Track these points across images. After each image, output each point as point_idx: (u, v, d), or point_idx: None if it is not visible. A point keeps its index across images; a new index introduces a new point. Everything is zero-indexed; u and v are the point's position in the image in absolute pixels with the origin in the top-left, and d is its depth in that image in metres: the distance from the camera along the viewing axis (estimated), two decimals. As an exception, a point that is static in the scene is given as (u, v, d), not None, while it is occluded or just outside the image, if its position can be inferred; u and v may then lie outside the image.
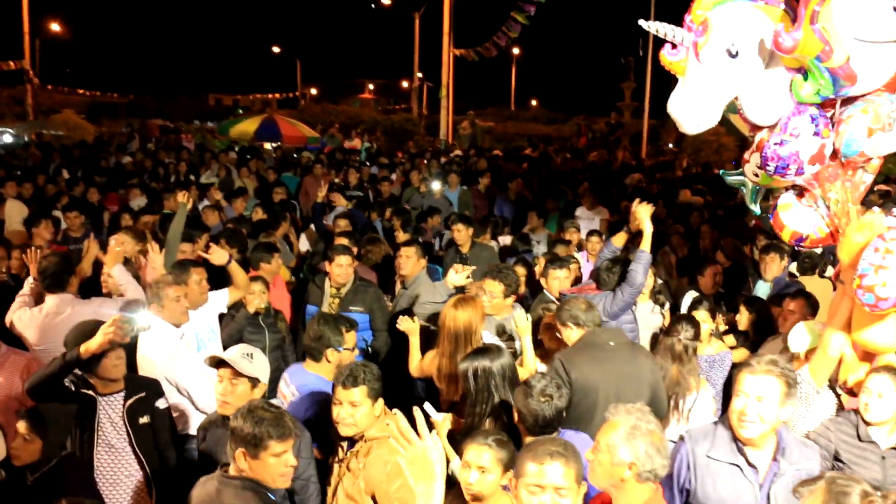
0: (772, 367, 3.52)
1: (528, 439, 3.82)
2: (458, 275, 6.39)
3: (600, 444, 3.21)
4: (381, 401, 3.97)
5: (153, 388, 4.56)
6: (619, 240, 6.87)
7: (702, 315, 5.99)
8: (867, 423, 4.24)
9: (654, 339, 6.65)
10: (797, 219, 4.53)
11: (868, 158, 4.10)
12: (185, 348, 5.17)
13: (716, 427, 3.74)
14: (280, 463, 3.32)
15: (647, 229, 6.26)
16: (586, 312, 4.99)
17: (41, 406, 4.12)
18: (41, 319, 5.47)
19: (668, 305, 7.17)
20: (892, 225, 3.95)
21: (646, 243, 6.21)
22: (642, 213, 6.36)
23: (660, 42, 4.45)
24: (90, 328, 4.33)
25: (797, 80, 4.00)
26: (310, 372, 4.78)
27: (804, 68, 3.97)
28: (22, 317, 5.54)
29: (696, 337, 5.47)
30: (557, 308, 5.25)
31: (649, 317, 6.91)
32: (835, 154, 4.17)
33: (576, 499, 3.07)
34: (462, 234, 8.35)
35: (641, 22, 4.49)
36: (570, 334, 5.02)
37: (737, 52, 4.06)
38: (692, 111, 4.25)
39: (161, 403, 4.55)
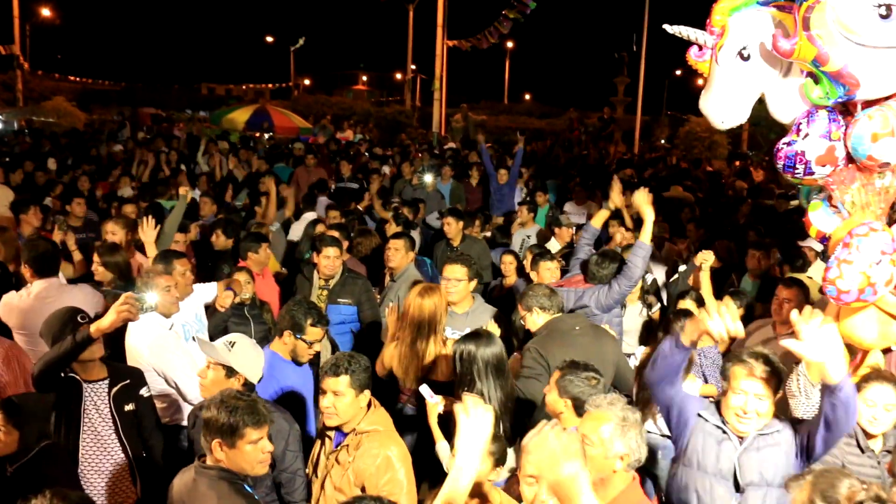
0: (766, 366, 3.61)
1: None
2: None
3: (591, 438, 3.22)
4: (367, 393, 3.95)
5: (136, 376, 4.55)
6: (598, 220, 6.87)
7: (688, 304, 6.01)
8: (869, 436, 4.15)
9: (644, 340, 6.63)
10: (822, 218, 4.60)
11: (884, 163, 4.10)
12: (175, 339, 5.14)
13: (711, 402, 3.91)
14: (257, 450, 3.33)
15: (649, 217, 6.15)
16: (550, 298, 5.13)
17: (16, 397, 4.08)
18: (29, 302, 5.43)
19: (657, 307, 7.10)
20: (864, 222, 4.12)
21: (645, 234, 6.12)
22: (642, 200, 6.26)
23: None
24: (66, 315, 4.36)
25: (808, 83, 4.11)
26: (268, 348, 4.86)
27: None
28: (9, 301, 5.49)
29: None
30: (521, 294, 5.33)
31: (636, 319, 6.80)
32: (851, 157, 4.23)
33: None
34: (453, 227, 8.35)
35: (667, 26, 4.60)
36: (536, 319, 5.13)
37: (748, 56, 4.25)
38: (716, 110, 4.50)
39: (144, 392, 4.53)
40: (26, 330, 5.30)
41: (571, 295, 6.03)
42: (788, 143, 4.26)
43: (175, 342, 5.11)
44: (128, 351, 5.10)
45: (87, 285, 5.93)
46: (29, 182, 11.99)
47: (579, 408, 3.86)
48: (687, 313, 5.53)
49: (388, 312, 5.56)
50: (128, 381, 4.43)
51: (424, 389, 4.45)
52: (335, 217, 9.04)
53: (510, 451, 4.26)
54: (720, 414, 3.76)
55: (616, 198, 6.97)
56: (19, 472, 3.70)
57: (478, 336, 4.52)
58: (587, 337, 5.02)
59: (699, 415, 3.78)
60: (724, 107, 4.46)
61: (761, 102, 4.51)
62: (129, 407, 4.37)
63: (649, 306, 6.95)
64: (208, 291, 6.02)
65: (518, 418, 4.58)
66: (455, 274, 5.75)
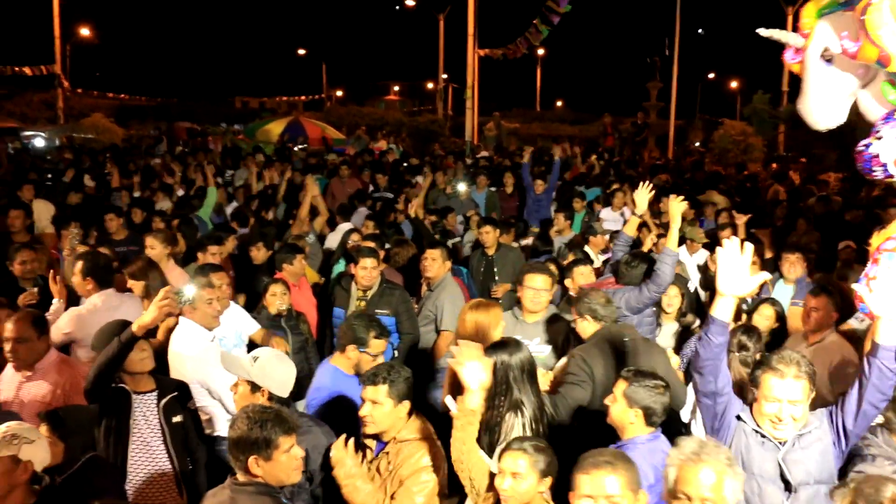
0: (798, 370, 3.56)
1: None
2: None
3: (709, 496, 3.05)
4: (407, 403, 3.97)
5: (183, 389, 4.63)
6: (631, 227, 6.82)
7: None
8: None
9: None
10: None
11: None
12: (217, 352, 5.16)
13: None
14: (291, 458, 3.37)
15: (675, 225, 6.16)
16: (605, 307, 5.02)
17: (61, 410, 4.14)
18: (85, 314, 5.59)
19: (696, 324, 6.96)
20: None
21: (672, 241, 6.11)
22: (675, 209, 6.27)
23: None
24: (116, 327, 4.40)
25: (885, 85, 4.12)
26: (329, 363, 4.91)
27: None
28: (79, 314, 5.61)
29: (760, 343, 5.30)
30: (575, 298, 5.23)
31: (671, 340, 6.60)
32: None
33: None
34: (490, 236, 8.31)
35: (761, 30, 4.60)
36: (586, 327, 5.03)
37: (830, 58, 4.27)
38: (810, 112, 4.46)
39: (191, 404, 4.63)
40: (83, 338, 5.41)
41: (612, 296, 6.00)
42: (866, 146, 4.24)
43: (217, 355, 5.14)
44: (171, 364, 5.16)
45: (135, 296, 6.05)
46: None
47: (650, 416, 3.85)
48: (753, 330, 5.44)
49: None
50: (176, 393, 4.51)
51: (450, 402, 4.45)
52: (370, 227, 9.07)
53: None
54: (755, 419, 3.72)
55: (642, 205, 6.89)
56: (67, 482, 3.76)
57: (506, 344, 4.47)
58: (636, 349, 4.83)
59: (738, 417, 3.75)
60: (817, 109, 4.42)
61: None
62: (177, 419, 4.43)
63: (687, 326, 6.83)
64: (249, 326, 6.05)
65: (559, 426, 4.55)
66: (538, 283, 5.60)
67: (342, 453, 3.84)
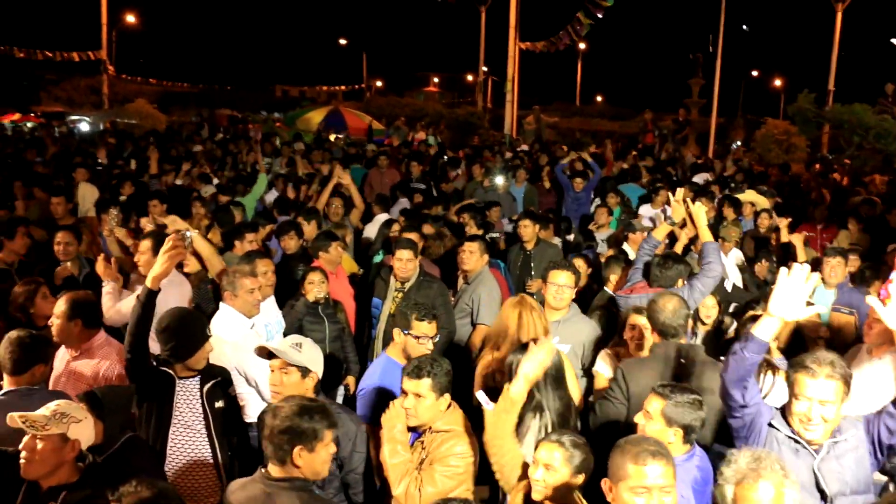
0: (832, 370, 3.51)
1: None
2: None
3: None
4: (447, 396, 4.02)
5: (225, 375, 4.66)
6: (661, 232, 6.76)
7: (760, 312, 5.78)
8: None
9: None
10: None
11: None
12: (256, 339, 5.24)
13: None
14: (328, 452, 3.40)
15: (702, 222, 6.07)
16: (671, 317, 4.68)
17: (98, 390, 4.22)
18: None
19: (733, 327, 6.94)
20: None
21: (705, 234, 6.03)
22: (697, 212, 6.22)
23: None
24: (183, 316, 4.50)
25: None
26: (384, 352, 4.98)
27: None
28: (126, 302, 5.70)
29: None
30: (648, 302, 4.95)
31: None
32: None
33: (675, 495, 3.14)
34: (529, 230, 8.29)
35: None
36: (647, 335, 4.88)
37: None
38: None
39: (232, 391, 4.67)
40: None
41: (646, 300, 5.93)
42: None
43: (256, 342, 5.20)
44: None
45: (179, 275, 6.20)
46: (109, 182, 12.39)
47: (689, 434, 3.77)
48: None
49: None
50: (219, 378, 4.53)
51: (481, 396, 4.48)
52: (403, 223, 9.07)
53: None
54: (787, 423, 3.68)
55: (678, 214, 6.83)
56: (108, 462, 3.85)
57: None
58: (689, 369, 4.53)
59: (770, 424, 3.69)
60: None
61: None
62: (219, 404, 4.45)
63: (725, 331, 6.77)
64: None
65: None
66: (561, 279, 5.64)
67: (398, 414, 3.92)
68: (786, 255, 8.70)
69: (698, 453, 3.87)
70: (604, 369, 5.35)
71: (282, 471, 3.34)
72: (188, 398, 4.40)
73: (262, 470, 3.41)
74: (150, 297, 4.29)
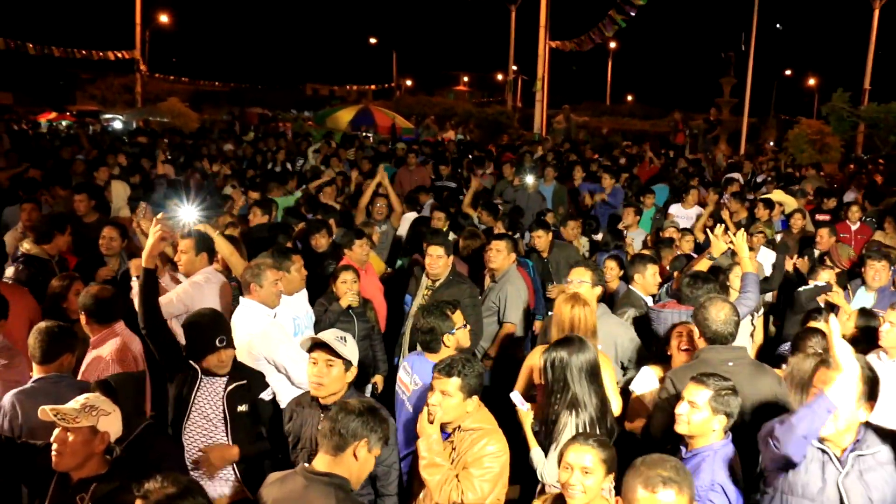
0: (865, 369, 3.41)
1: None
2: None
3: None
4: (475, 398, 4.02)
5: (258, 379, 4.61)
6: (702, 266, 6.68)
7: (821, 325, 5.57)
8: None
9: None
10: None
11: None
12: (280, 327, 5.31)
13: None
14: (373, 463, 3.45)
15: (745, 253, 5.95)
16: (720, 324, 4.60)
17: (112, 377, 4.36)
18: (192, 289, 5.85)
19: (761, 311, 6.85)
20: None
21: (747, 265, 5.90)
22: (741, 244, 6.00)
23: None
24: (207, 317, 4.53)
25: None
26: (430, 361, 4.80)
27: None
28: (176, 293, 5.84)
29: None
30: (698, 305, 4.82)
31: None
32: None
33: None
34: (542, 240, 8.23)
35: None
36: (697, 341, 4.78)
37: None
38: None
39: (267, 395, 4.61)
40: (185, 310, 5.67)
41: (681, 316, 5.88)
42: None
43: (280, 330, 5.27)
44: (237, 347, 5.30)
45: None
46: (145, 179, 12.54)
47: (730, 421, 3.80)
48: (817, 332, 5.23)
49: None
50: (244, 381, 4.48)
51: (516, 397, 4.48)
52: (440, 218, 9.09)
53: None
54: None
55: (718, 250, 6.73)
56: (130, 448, 3.91)
57: (570, 342, 4.45)
58: (739, 374, 4.35)
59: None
60: None
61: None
62: (242, 408, 4.42)
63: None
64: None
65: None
66: (579, 276, 5.76)
67: (431, 427, 3.92)
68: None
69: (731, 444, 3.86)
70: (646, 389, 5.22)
71: (332, 463, 3.31)
72: (211, 396, 4.40)
73: (305, 465, 3.41)
74: (147, 276, 4.58)
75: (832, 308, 6.93)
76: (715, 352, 4.56)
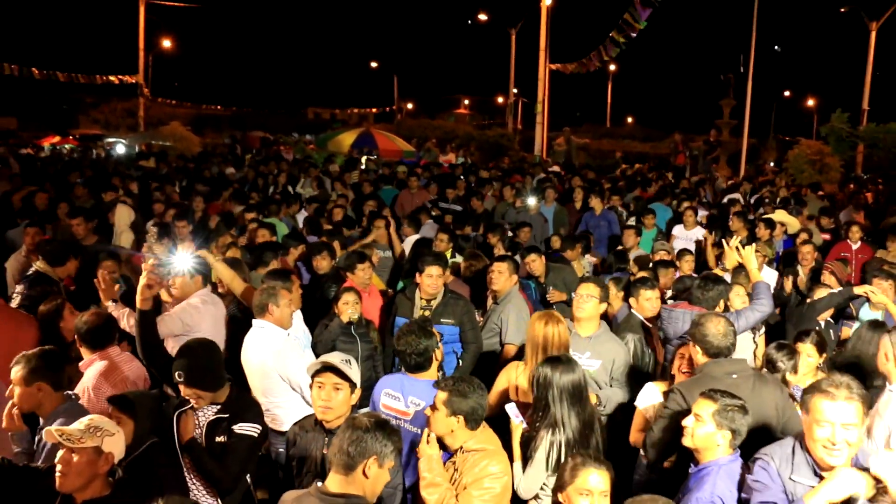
0: (850, 391, 3.42)
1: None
2: None
3: None
4: (460, 419, 4.02)
5: (243, 414, 4.36)
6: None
7: (807, 348, 5.56)
8: None
9: None
10: None
11: None
12: (295, 345, 5.41)
13: (793, 449, 3.63)
14: (388, 476, 3.40)
15: (753, 265, 6.01)
16: (720, 338, 4.64)
17: (130, 393, 4.39)
18: (192, 310, 5.93)
19: (762, 331, 6.92)
20: None
21: (756, 275, 5.93)
22: (748, 255, 6.06)
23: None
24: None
25: None
26: (422, 380, 4.85)
27: None
28: (172, 316, 5.92)
29: (794, 370, 5.27)
30: (693, 324, 4.88)
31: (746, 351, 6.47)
32: None
33: None
34: (536, 264, 8.23)
35: None
36: (697, 357, 4.78)
37: None
38: None
39: (242, 428, 4.31)
40: (183, 332, 5.74)
41: (689, 317, 5.94)
42: None
43: (296, 348, 5.37)
44: (247, 366, 5.36)
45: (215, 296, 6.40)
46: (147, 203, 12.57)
47: (735, 438, 3.82)
48: (789, 350, 5.32)
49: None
50: (227, 415, 4.32)
51: (511, 409, 4.52)
52: (444, 240, 9.10)
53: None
54: (806, 450, 3.53)
55: (731, 262, 6.75)
56: (131, 466, 3.91)
57: (557, 361, 4.50)
58: (743, 386, 4.43)
59: (791, 479, 3.54)
60: None
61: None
62: (219, 439, 4.28)
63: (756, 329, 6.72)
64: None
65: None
66: (587, 290, 5.85)
67: (431, 448, 3.95)
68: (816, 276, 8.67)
69: (740, 460, 3.87)
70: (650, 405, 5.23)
71: (344, 483, 3.28)
72: (200, 422, 4.34)
73: (318, 484, 3.38)
74: (144, 317, 4.86)
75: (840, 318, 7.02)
76: (718, 365, 4.61)
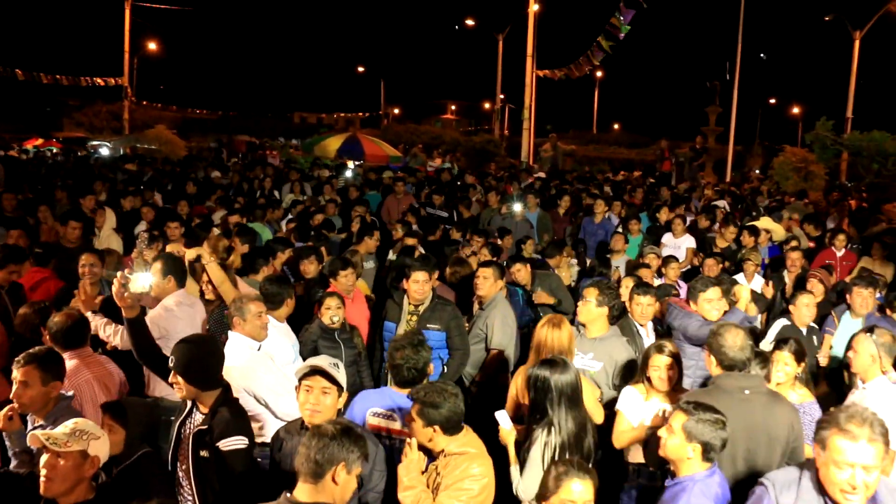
0: (872, 431, 3.21)
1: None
2: None
3: None
4: (437, 429, 4.02)
5: (224, 427, 4.15)
6: (742, 304, 6.73)
7: (785, 356, 5.36)
8: None
9: None
10: None
11: None
12: (264, 360, 5.24)
13: (800, 476, 3.47)
14: (356, 482, 3.38)
15: (745, 301, 6.32)
16: (735, 351, 4.51)
17: (123, 401, 4.37)
18: (165, 314, 5.82)
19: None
20: None
21: (743, 305, 6.27)
22: (741, 293, 6.49)
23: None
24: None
25: None
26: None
27: None
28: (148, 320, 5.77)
29: (767, 379, 5.10)
30: (711, 333, 4.72)
31: None
32: None
33: None
34: (522, 272, 8.17)
35: None
36: (711, 366, 4.67)
37: None
38: None
39: (227, 444, 4.12)
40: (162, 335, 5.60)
41: (676, 312, 6.01)
42: None
43: (263, 362, 5.19)
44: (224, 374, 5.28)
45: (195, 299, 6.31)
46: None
47: (707, 452, 3.70)
48: (762, 357, 5.27)
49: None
50: (206, 427, 4.15)
51: (501, 416, 4.52)
52: (413, 243, 9.09)
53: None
54: (820, 492, 3.34)
55: (743, 299, 6.76)
56: (122, 475, 3.88)
57: (553, 363, 4.51)
58: (754, 402, 4.31)
59: None
60: None
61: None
62: (203, 453, 4.15)
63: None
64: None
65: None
66: (587, 294, 5.92)
67: (412, 453, 3.96)
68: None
69: (719, 476, 3.81)
70: (630, 407, 5.18)
71: (313, 491, 3.25)
72: (190, 430, 4.24)
73: (287, 494, 3.32)
74: (132, 325, 4.59)
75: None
76: (732, 379, 4.45)
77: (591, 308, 5.82)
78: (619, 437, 5.05)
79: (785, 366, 5.32)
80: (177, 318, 5.81)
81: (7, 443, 4.35)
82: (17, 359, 4.27)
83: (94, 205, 11.22)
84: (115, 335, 5.67)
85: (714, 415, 3.74)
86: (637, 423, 5.00)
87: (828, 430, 3.28)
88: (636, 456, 5.01)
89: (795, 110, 54.02)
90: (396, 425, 4.69)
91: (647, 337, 6.61)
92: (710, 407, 3.80)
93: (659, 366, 5.02)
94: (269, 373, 5.11)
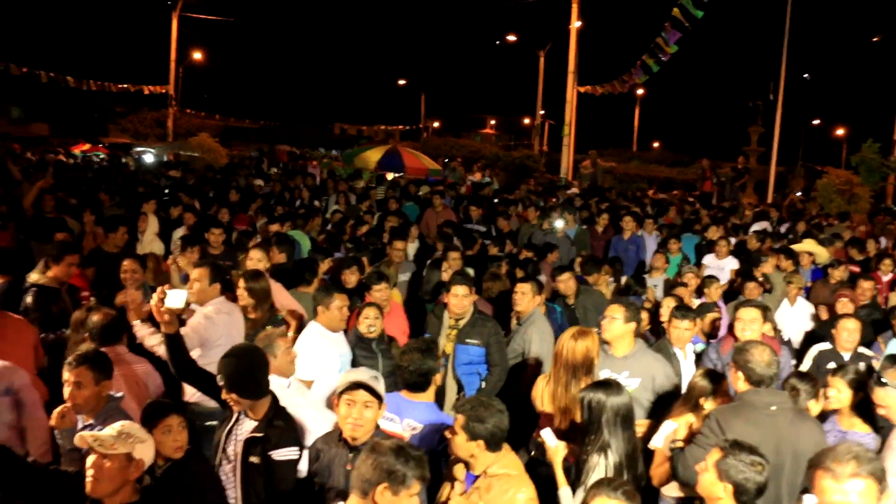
0: (857, 465, 3.14)
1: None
2: None
3: None
4: (481, 444, 3.98)
5: (283, 435, 4.28)
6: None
7: (838, 383, 5.15)
8: None
9: None
10: None
11: None
12: (292, 398, 4.99)
13: None
14: (410, 502, 3.30)
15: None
16: (763, 367, 4.49)
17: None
18: (205, 321, 5.81)
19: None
20: None
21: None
22: None
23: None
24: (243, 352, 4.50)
25: None
26: (420, 402, 4.81)
27: None
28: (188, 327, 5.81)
29: (814, 397, 5.13)
30: (737, 350, 4.73)
31: None
32: None
33: None
34: (567, 283, 8.17)
35: None
36: (738, 385, 4.63)
37: None
38: None
39: (281, 455, 4.23)
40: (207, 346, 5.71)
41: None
42: None
43: (293, 400, 4.98)
44: None
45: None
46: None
47: (739, 495, 3.57)
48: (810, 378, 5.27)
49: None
50: (262, 434, 4.22)
51: (546, 434, 4.50)
52: (456, 258, 9.09)
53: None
54: None
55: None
56: (170, 471, 3.97)
57: (607, 385, 4.50)
58: (782, 418, 4.33)
59: None
60: None
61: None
62: (253, 459, 4.21)
63: None
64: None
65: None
66: (610, 312, 5.79)
67: (457, 471, 3.99)
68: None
69: None
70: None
71: None
72: (238, 437, 4.30)
73: (341, 503, 3.37)
74: (169, 341, 4.56)
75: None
76: (758, 395, 4.45)
77: (619, 325, 5.70)
78: (661, 476, 4.84)
79: (836, 391, 5.13)
80: (215, 325, 5.82)
81: (59, 441, 4.44)
82: (67, 360, 4.36)
83: (156, 207, 11.38)
84: (159, 345, 5.73)
85: (751, 456, 3.60)
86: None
87: (813, 467, 3.24)
88: (671, 489, 4.85)
89: (839, 132, 53.28)
90: (397, 428, 4.71)
91: (685, 360, 6.53)
92: (750, 447, 3.66)
93: None
94: (300, 408, 4.92)
